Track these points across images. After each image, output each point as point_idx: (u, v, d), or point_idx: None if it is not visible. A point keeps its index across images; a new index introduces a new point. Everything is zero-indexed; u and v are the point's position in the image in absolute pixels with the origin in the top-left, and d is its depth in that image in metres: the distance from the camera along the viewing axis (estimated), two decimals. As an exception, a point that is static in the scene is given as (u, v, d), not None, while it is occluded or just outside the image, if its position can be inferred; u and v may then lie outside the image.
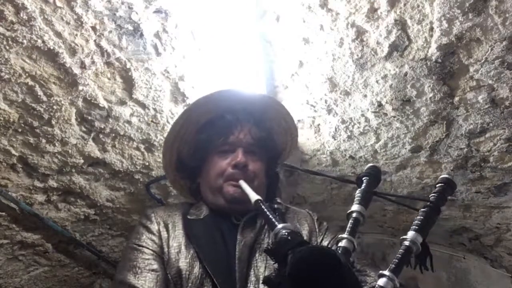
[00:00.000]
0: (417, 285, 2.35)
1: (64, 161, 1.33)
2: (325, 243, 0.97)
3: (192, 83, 1.44)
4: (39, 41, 1.03)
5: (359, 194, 0.81)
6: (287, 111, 1.11)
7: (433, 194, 0.77)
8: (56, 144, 1.27)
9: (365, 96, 1.49)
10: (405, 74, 1.34)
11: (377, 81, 1.41)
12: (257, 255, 0.87)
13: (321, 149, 1.86)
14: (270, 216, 0.75)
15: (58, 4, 1.01)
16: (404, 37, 1.24)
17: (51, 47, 1.06)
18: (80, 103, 1.23)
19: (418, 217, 0.72)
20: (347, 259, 0.66)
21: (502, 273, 2.18)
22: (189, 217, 0.97)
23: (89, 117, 1.28)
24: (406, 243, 0.68)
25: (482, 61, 1.17)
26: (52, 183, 1.38)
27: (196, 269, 0.83)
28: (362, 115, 1.58)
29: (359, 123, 1.62)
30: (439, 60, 1.24)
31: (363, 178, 0.86)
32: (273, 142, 1.11)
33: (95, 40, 1.13)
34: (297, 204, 2.36)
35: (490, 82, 1.22)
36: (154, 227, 0.92)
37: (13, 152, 1.21)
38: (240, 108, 1.05)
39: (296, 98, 1.68)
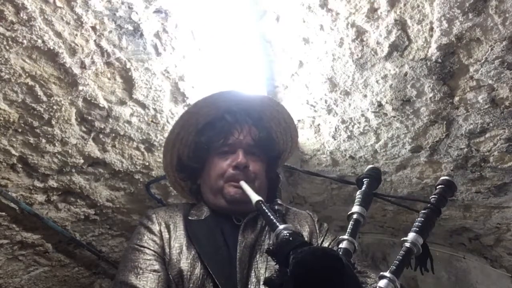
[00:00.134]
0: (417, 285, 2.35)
1: (64, 161, 1.33)
2: (325, 244, 0.97)
3: (192, 83, 1.44)
4: (39, 41, 1.03)
5: (359, 196, 0.81)
6: (287, 111, 1.11)
7: (433, 196, 0.77)
8: (56, 144, 1.27)
9: (365, 96, 1.49)
10: (405, 74, 1.34)
11: (377, 81, 1.41)
12: (257, 256, 0.87)
13: (321, 149, 1.86)
14: (271, 217, 0.75)
15: (58, 4, 1.00)
16: (404, 37, 1.24)
17: (51, 47, 1.06)
18: (80, 103, 1.23)
19: (418, 219, 0.72)
20: (348, 260, 0.66)
21: (502, 273, 2.18)
22: (190, 218, 0.97)
23: (89, 117, 1.28)
24: (407, 244, 0.68)
25: (482, 61, 1.17)
26: (52, 183, 1.38)
27: (197, 270, 0.83)
28: (362, 115, 1.58)
29: (359, 123, 1.62)
30: (439, 60, 1.24)
31: (364, 180, 0.86)
32: (273, 143, 1.11)
33: (95, 40, 1.13)
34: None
35: (490, 82, 1.22)
36: (155, 227, 0.92)
37: (13, 152, 1.21)
38: (239, 109, 1.05)
39: (296, 98, 1.68)
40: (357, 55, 1.35)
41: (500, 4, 1.03)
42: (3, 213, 1.34)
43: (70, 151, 1.32)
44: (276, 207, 0.99)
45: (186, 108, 1.49)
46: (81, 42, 1.11)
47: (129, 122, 1.38)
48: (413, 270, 0.78)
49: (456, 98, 1.34)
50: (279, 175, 1.17)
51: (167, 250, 0.88)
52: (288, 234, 0.66)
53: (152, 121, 1.44)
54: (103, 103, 1.27)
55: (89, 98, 1.23)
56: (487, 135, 1.42)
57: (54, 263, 1.66)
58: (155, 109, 1.41)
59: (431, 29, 1.17)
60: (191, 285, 0.81)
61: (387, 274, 0.61)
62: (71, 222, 1.56)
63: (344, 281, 0.56)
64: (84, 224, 1.63)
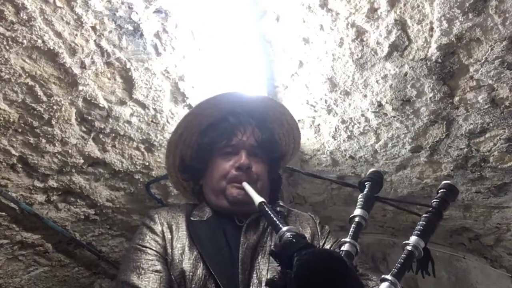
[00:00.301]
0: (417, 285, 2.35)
1: (64, 161, 1.33)
2: (327, 246, 0.97)
3: (192, 83, 1.44)
4: (39, 41, 1.03)
5: (361, 199, 0.81)
6: (290, 113, 1.11)
7: (435, 200, 0.78)
8: (56, 144, 1.27)
9: (365, 96, 1.49)
10: (405, 74, 1.34)
11: (377, 81, 1.41)
12: (259, 257, 0.87)
13: (321, 149, 1.86)
14: (275, 218, 0.75)
15: (58, 4, 1.00)
16: (404, 37, 1.24)
17: (51, 47, 1.06)
18: (80, 103, 1.23)
19: (420, 222, 0.73)
20: (350, 263, 0.66)
21: (502, 273, 2.19)
22: (192, 218, 0.97)
23: (89, 117, 1.28)
24: (409, 248, 0.68)
25: (482, 61, 1.17)
26: (52, 183, 1.38)
27: (200, 270, 0.83)
28: (362, 115, 1.58)
29: (359, 123, 1.62)
30: (439, 60, 1.24)
31: (366, 183, 0.86)
32: (276, 144, 1.11)
33: (95, 40, 1.13)
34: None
35: (490, 82, 1.22)
36: (157, 228, 0.92)
37: (13, 152, 1.21)
38: (242, 111, 1.05)
39: (296, 98, 1.68)
40: (357, 55, 1.35)
41: (500, 4, 1.03)
42: (3, 213, 1.34)
43: (70, 151, 1.32)
44: (278, 208, 0.99)
45: (186, 108, 1.49)
46: (81, 42, 1.11)
47: (129, 122, 1.38)
48: (415, 274, 0.78)
49: (456, 98, 1.34)
50: (281, 177, 1.17)
51: (169, 250, 0.88)
52: (291, 236, 0.66)
53: (152, 121, 1.44)
54: (103, 103, 1.27)
55: (89, 98, 1.23)
56: (487, 135, 1.42)
57: (54, 263, 1.67)
58: (155, 109, 1.41)
59: (431, 29, 1.17)
60: (193, 285, 0.81)
61: (388, 277, 0.61)
62: (71, 222, 1.56)
63: (348, 283, 0.56)
64: (84, 224, 1.63)
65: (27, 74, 1.08)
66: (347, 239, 0.71)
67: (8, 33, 0.98)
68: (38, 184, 1.35)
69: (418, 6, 1.14)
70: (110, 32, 1.14)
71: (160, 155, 1.56)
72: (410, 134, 1.56)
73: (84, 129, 1.31)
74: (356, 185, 0.93)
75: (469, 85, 1.27)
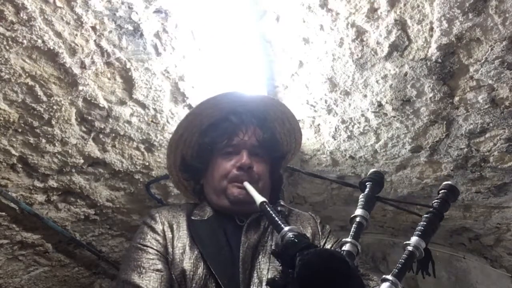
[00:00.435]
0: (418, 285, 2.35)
1: (64, 161, 1.33)
2: (328, 246, 0.97)
3: (192, 83, 1.44)
4: (39, 41, 1.03)
5: (362, 199, 0.82)
6: (291, 112, 1.11)
7: (436, 200, 0.78)
8: (56, 144, 1.27)
9: (365, 96, 1.49)
10: (405, 74, 1.34)
11: (377, 81, 1.41)
12: (260, 257, 0.87)
13: (321, 149, 1.86)
14: (276, 218, 0.75)
15: (58, 4, 1.00)
16: (404, 37, 1.24)
17: (51, 47, 1.06)
18: (80, 103, 1.23)
19: (421, 223, 0.73)
20: (352, 263, 0.66)
21: (502, 273, 2.19)
22: (193, 218, 0.97)
23: (89, 117, 1.28)
24: (410, 248, 0.68)
25: (482, 61, 1.17)
26: (52, 183, 1.38)
27: (200, 270, 0.83)
28: (362, 115, 1.58)
29: (359, 123, 1.62)
30: (439, 60, 1.24)
31: (367, 183, 0.86)
32: (277, 144, 1.11)
33: (95, 40, 1.13)
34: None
35: (490, 82, 1.23)
36: (158, 227, 0.92)
37: (13, 152, 1.21)
38: (243, 110, 1.05)
39: (296, 98, 1.68)
40: (357, 55, 1.35)
41: (500, 4, 1.03)
42: (3, 213, 1.34)
43: (70, 151, 1.32)
44: (279, 208, 0.99)
45: (186, 108, 1.49)
46: (81, 42, 1.11)
47: (129, 122, 1.38)
48: (415, 274, 0.78)
49: (456, 98, 1.34)
50: (282, 176, 1.17)
51: (170, 249, 0.88)
52: (293, 236, 0.66)
53: (152, 121, 1.44)
54: (103, 103, 1.27)
55: (89, 98, 1.23)
56: (487, 135, 1.42)
57: (54, 263, 1.67)
58: (155, 109, 1.41)
59: (431, 29, 1.17)
60: (193, 285, 0.81)
61: (389, 277, 0.61)
62: (71, 222, 1.56)
63: (349, 283, 0.56)
64: (84, 224, 1.63)
65: (27, 74, 1.08)
66: (348, 239, 0.71)
67: (8, 33, 0.98)
68: (38, 184, 1.35)
69: (418, 6, 1.14)
70: (110, 32, 1.14)
71: (160, 155, 1.56)
72: (410, 134, 1.56)
73: (84, 129, 1.31)
74: (356, 185, 0.93)
75: (469, 85, 1.28)
